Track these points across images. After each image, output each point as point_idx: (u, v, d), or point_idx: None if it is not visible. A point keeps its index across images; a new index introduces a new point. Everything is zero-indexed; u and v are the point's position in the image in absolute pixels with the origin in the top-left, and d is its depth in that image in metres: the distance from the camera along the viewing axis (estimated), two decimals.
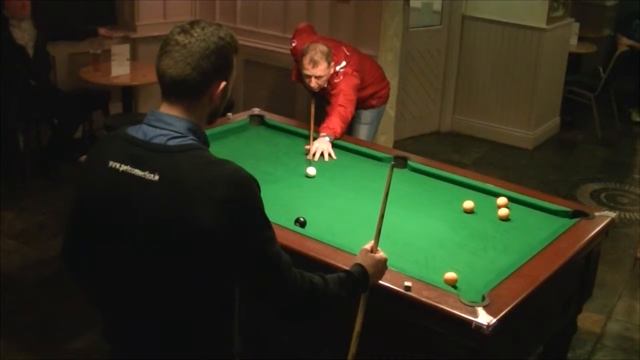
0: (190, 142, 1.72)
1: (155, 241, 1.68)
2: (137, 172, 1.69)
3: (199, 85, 1.73)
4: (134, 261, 1.73)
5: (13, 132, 5.15)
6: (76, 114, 5.45)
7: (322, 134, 3.83)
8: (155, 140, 1.71)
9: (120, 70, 5.34)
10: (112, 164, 1.73)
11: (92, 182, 1.79)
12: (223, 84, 1.77)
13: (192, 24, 1.76)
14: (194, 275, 1.69)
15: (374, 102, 4.61)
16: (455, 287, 2.47)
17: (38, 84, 5.18)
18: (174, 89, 1.73)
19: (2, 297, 3.79)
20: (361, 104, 4.46)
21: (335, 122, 3.94)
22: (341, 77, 4.23)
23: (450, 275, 2.50)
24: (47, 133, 5.41)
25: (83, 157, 3.13)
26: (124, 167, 1.71)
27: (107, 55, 5.40)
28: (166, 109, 1.76)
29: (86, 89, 5.53)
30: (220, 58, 1.74)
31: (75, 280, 1.95)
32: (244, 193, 1.68)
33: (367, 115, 4.61)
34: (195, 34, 1.73)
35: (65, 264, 1.94)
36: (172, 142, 1.70)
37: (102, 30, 5.52)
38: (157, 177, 1.67)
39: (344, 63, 4.29)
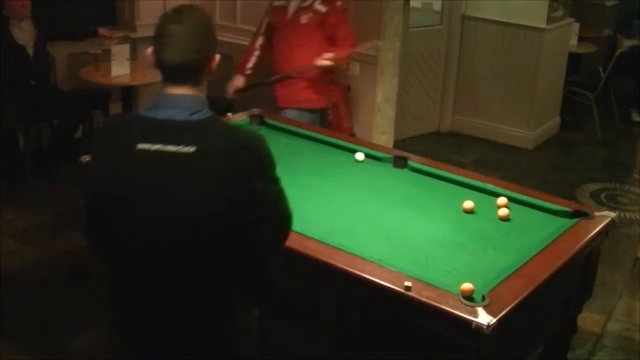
0: (209, 113, 1.90)
1: (194, 209, 1.80)
2: (171, 148, 1.80)
3: (202, 65, 1.91)
4: (167, 233, 1.81)
5: (13, 132, 5.15)
6: (76, 114, 5.45)
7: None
8: (179, 117, 1.85)
9: (120, 70, 5.33)
10: (141, 146, 1.81)
11: (117, 167, 1.85)
12: (217, 56, 1.95)
13: (178, 12, 1.90)
14: (228, 238, 1.84)
15: (314, 97, 4.47)
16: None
17: (38, 84, 5.18)
18: (180, 73, 1.89)
19: (2, 297, 3.79)
20: (295, 96, 4.41)
21: (344, 51, 4.13)
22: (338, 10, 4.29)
23: (467, 286, 2.38)
24: (47, 133, 5.42)
25: (83, 157, 3.14)
26: (155, 147, 1.80)
27: (107, 55, 5.39)
28: (174, 90, 1.89)
29: (86, 89, 5.53)
30: (211, 36, 1.94)
31: (99, 257, 2.03)
32: (265, 152, 1.95)
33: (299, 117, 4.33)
34: (186, 21, 1.87)
35: (91, 248, 2.03)
36: (195, 117, 1.87)
37: (102, 30, 5.53)
38: (192, 149, 1.80)
39: None
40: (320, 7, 4.27)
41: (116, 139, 1.87)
